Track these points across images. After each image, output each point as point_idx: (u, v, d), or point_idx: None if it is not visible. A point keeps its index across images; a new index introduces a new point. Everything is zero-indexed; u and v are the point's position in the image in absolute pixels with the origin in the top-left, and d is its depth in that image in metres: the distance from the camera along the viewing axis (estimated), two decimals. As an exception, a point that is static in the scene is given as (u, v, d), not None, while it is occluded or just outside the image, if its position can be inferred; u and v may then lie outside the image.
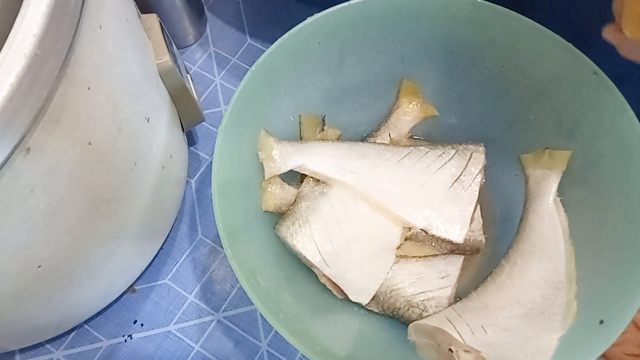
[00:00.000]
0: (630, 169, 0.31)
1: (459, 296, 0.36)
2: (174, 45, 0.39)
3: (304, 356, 0.39)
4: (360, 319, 0.35)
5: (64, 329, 0.38)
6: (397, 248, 0.37)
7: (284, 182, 0.37)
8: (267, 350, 0.40)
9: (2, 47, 0.18)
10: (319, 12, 0.35)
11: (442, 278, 0.36)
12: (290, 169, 0.36)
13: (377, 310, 0.36)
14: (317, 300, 0.35)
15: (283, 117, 0.38)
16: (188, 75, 0.42)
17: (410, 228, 0.37)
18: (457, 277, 0.36)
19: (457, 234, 0.37)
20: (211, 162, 0.34)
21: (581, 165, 0.34)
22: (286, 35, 0.34)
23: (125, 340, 0.40)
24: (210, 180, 0.31)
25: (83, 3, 0.21)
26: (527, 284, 0.33)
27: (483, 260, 0.39)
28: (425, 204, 0.37)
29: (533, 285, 0.33)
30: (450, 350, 0.31)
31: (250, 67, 0.33)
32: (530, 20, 0.34)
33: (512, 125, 0.39)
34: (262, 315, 0.32)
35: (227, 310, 0.41)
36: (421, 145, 0.41)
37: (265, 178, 0.35)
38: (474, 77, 0.38)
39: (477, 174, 0.38)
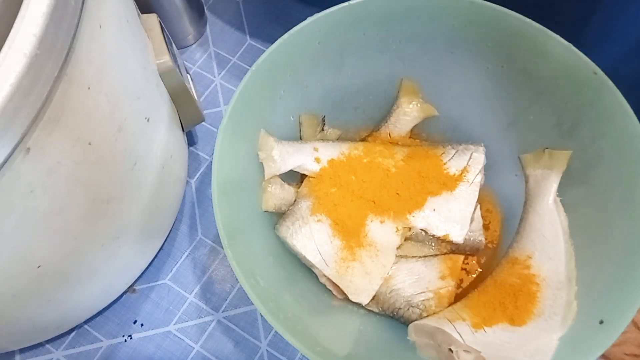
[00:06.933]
0: (630, 169, 0.31)
1: (459, 296, 0.36)
2: (174, 45, 0.39)
3: (304, 356, 0.39)
4: (360, 319, 0.35)
5: (64, 329, 0.38)
6: (397, 248, 0.37)
7: (284, 182, 0.37)
8: (267, 350, 0.40)
9: (2, 47, 0.18)
10: (319, 12, 0.35)
11: (442, 278, 0.36)
12: (290, 169, 0.36)
13: (377, 310, 0.36)
14: (317, 300, 0.35)
15: (283, 117, 0.38)
16: (188, 75, 0.42)
17: (410, 228, 0.37)
18: (457, 277, 0.36)
19: (457, 234, 0.37)
20: (211, 162, 0.34)
21: (581, 165, 0.34)
22: (286, 35, 0.34)
23: (125, 340, 0.40)
24: (210, 180, 0.31)
25: (83, 3, 0.21)
26: (527, 284, 0.33)
27: (483, 260, 0.39)
28: (426, 204, 0.37)
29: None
30: (450, 350, 0.31)
31: (250, 67, 0.33)
32: (530, 20, 0.34)
33: (512, 125, 0.39)
34: (262, 315, 0.32)
35: (227, 310, 0.41)
36: (421, 146, 0.41)
37: (265, 178, 0.35)
38: (474, 77, 0.38)
39: (477, 174, 0.38)
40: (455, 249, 0.38)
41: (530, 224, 0.36)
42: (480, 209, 0.38)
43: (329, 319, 0.34)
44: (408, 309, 0.34)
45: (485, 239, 0.38)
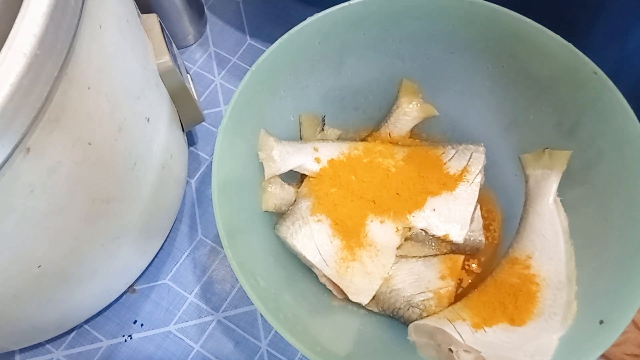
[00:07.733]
0: (630, 169, 0.31)
1: (459, 296, 0.36)
2: (174, 45, 0.39)
3: (304, 356, 0.39)
4: (360, 319, 0.35)
5: (64, 329, 0.38)
6: (397, 248, 0.37)
7: (284, 182, 0.37)
8: (267, 350, 0.40)
9: (2, 47, 0.18)
10: (319, 12, 0.35)
11: (442, 278, 0.36)
12: (290, 169, 0.36)
13: (377, 310, 0.36)
14: (317, 300, 0.35)
15: (283, 117, 0.38)
16: (188, 75, 0.42)
17: (410, 228, 0.37)
18: (457, 277, 0.36)
19: (457, 234, 0.37)
20: (211, 162, 0.34)
21: (581, 165, 0.34)
22: (286, 35, 0.34)
23: (125, 340, 0.40)
24: (210, 180, 0.31)
25: (83, 3, 0.21)
26: (527, 284, 0.33)
27: (483, 260, 0.39)
28: (426, 204, 0.37)
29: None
30: (450, 350, 0.31)
31: (250, 67, 0.33)
32: (530, 20, 0.34)
33: (512, 125, 0.39)
34: (262, 315, 0.32)
35: (227, 310, 0.41)
36: (421, 146, 0.41)
37: (265, 178, 0.35)
38: (474, 77, 0.38)
39: (477, 174, 0.38)
40: (455, 249, 0.38)
41: (530, 224, 0.36)
42: (481, 209, 0.38)
43: (329, 319, 0.34)
44: (408, 309, 0.34)
45: (485, 239, 0.38)
